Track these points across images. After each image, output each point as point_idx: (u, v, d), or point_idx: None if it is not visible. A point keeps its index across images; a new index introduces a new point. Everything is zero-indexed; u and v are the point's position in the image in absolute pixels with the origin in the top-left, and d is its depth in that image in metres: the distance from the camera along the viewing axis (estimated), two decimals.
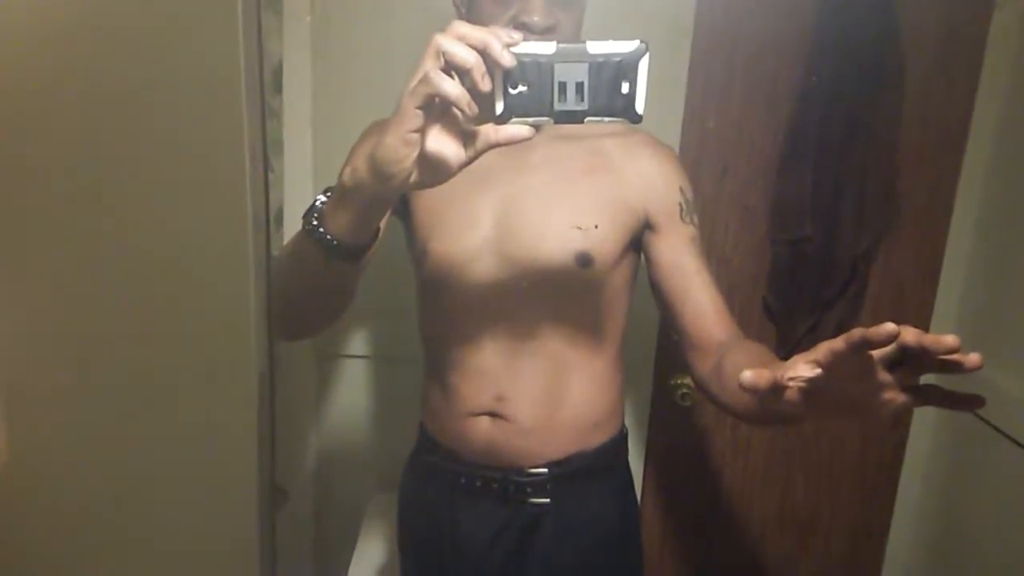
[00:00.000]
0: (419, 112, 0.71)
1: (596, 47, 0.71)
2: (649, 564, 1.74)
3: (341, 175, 0.84)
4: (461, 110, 0.70)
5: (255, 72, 0.69)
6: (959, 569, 1.83)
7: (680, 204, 1.16)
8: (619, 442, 1.27)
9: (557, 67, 0.70)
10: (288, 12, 1.69)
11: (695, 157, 1.76)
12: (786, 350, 1.78)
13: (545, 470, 1.18)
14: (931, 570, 1.94)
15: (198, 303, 0.75)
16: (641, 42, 0.71)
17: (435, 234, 1.16)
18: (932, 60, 1.72)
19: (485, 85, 0.70)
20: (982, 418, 1.72)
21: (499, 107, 0.72)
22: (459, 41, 0.70)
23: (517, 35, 0.70)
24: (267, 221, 0.76)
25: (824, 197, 1.71)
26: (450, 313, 1.19)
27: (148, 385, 0.75)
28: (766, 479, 1.97)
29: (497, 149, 0.76)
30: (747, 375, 0.73)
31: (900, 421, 1.93)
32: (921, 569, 1.97)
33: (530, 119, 0.72)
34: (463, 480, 1.21)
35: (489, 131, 0.75)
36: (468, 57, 0.69)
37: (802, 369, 0.71)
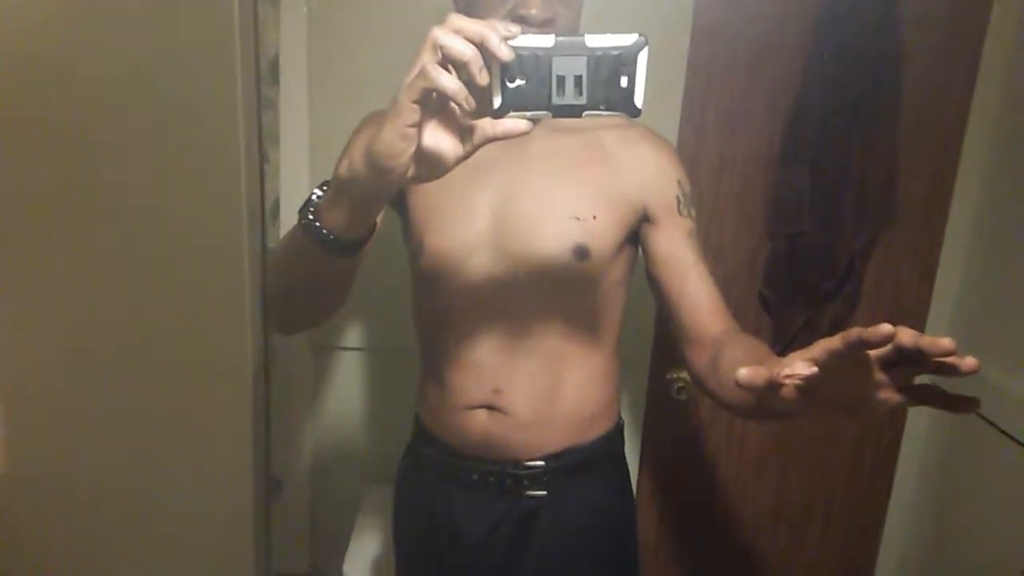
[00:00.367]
0: (416, 106, 0.71)
1: (595, 40, 0.70)
2: (644, 556, 1.74)
3: (337, 169, 0.83)
4: (459, 105, 0.70)
5: (251, 63, 0.69)
6: (953, 564, 1.84)
7: (678, 197, 1.16)
8: (615, 435, 1.27)
9: (555, 60, 0.70)
10: (285, 3, 1.69)
11: (693, 151, 1.76)
12: (782, 344, 1.78)
13: (542, 463, 1.19)
14: (925, 564, 1.94)
15: (194, 295, 0.75)
16: (640, 35, 0.70)
17: (431, 227, 1.15)
18: (931, 55, 1.72)
19: (483, 79, 0.69)
20: (977, 413, 1.72)
21: (497, 101, 0.71)
22: (456, 34, 0.69)
23: (515, 28, 0.70)
24: (263, 213, 0.76)
25: (822, 192, 1.70)
26: (446, 306, 1.19)
27: (144, 377, 0.75)
28: (761, 472, 1.97)
29: (494, 142, 0.76)
30: (743, 373, 0.73)
31: (895, 416, 1.94)
32: (916, 563, 1.98)
33: (528, 113, 0.72)
34: (460, 473, 1.21)
35: (486, 125, 0.74)
36: (465, 51, 0.68)
37: (798, 367, 0.71)
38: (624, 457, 1.31)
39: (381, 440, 1.93)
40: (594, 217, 1.12)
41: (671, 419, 1.93)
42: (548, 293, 1.15)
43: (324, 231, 0.86)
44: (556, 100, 0.71)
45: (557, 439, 1.19)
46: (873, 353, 0.69)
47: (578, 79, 0.70)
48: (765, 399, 0.75)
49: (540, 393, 1.17)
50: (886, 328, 0.65)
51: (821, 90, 1.67)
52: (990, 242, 1.78)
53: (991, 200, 1.77)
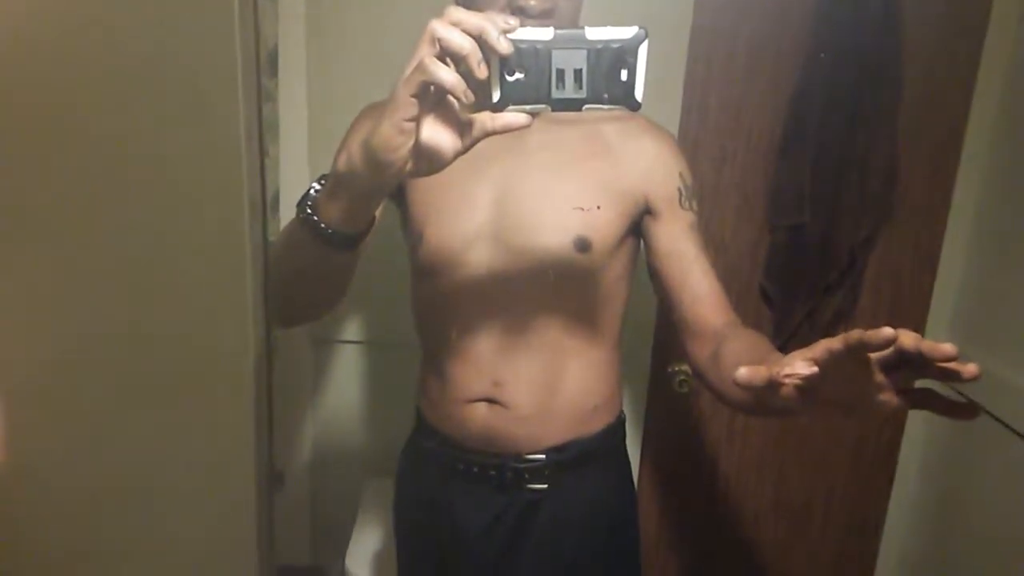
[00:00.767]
0: (414, 100, 0.70)
1: (595, 33, 0.70)
2: (645, 549, 1.74)
3: (335, 162, 0.83)
4: (457, 98, 0.69)
5: (251, 55, 0.69)
6: (955, 558, 1.84)
7: (679, 190, 1.15)
8: (617, 428, 1.27)
9: (555, 54, 0.70)
10: None
11: (694, 143, 1.76)
12: (782, 337, 1.78)
13: (543, 456, 1.18)
14: (926, 559, 1.95)
15: (195, 288, 0.75)
16: (640, 28, 0.70)
17: (431, 220, 1.15)
18: (932, 47, 1.71)
19: (481, 72, 0.69)
20: (978, 406, 1.72)
21: (496, 94, 0.71)
22: (455, 27, 0.68)
23: (514, 21, 0.69)
24: (264, 206, 0.75)
25: (823, 184, 1.70)
26: (446, 299, 1.18)
27: (146, 371, 0.75)
28: (762, 466, 1.97)
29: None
30: (742, 372, 0.72)
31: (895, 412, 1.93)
32: (916, 557, 1.98)
33: (527, 107, 0.72)
34: (460, 467, 1.21)
35: (485, 119, 0.74)
36: (464, 44, 0.68)
37: (798, 367, 0.70)
38: (625, 450, 1.31)
39: (382, 433, 1.93)
40: (598, 207, 1.11)
41: (672, 412, 1.93)
42: (549, 286, 1.14)
43: (322, 225, 0.85)
44: (556, 94, 0.71)
45: (558, 432, 1.19)
46: (874, 356, 0.68)
47: (578, 72, 0.70)
48: (765, 397, 0.74)
49: (541, 386, 1.16)
50: (888, 331, 0.64)
51: (822, 82, 1.67)
52: (991, 234, 1.77)
53: (992, 192, 1.77)
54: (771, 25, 1.72)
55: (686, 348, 1.15)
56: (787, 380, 0.71)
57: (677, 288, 1.14)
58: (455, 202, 1.14)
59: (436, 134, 0.74)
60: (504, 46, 0.68)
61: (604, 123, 1.17)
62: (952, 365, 0.64)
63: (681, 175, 1.16)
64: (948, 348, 0.63)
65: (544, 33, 0.69)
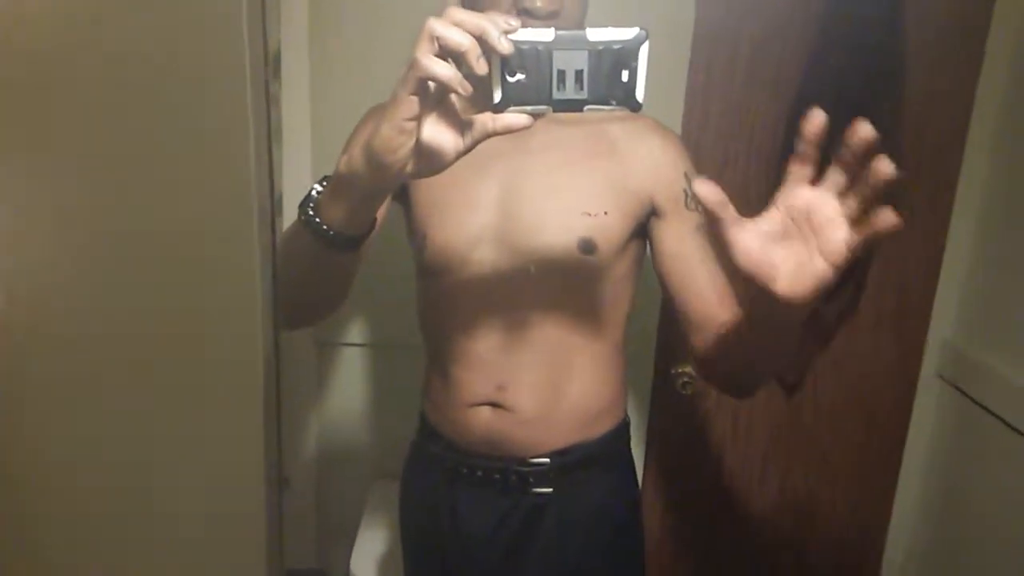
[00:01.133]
0: (413, 99, 0.70)
1: (595, 34, 0.70)
2: (649, 551, 1.74)
3: (337, 164, 0.83)
4: (454, 91, 0.69)
5: (259, 57, 0.69)
6: (961, 557, 1.83)
7: (685, 191, 1.15)
8: (622, 431, 1.27)
9: (556, 55, 0.70)
10: None
11: (696, 146, 1.75)
12: None
13: (547, 460, 1.18)
14: (932, 558, 1.94)
15: (203, 290, 0.75)
16: (641, 29, 0.70)
17: (435, 221, 1.15)
18: (934, 48, 1.71)
19: (481, 68, 0.68)
20: (983, 406, 1.72)
21: (497, 95, 0.71)
22: (455, 27, 0.68)
23: (515, 22, 0.69)
24: (272, 207, 0.76)
25: None
26: (450, 301, 1.18)
27: (152, 373, 0.75)
28: (766, 467, 1.97)
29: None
30: (698, 183, 0.76)
31: (901, 408, 1.93)
32: (922, 557, 1.98)
33: (528, 108, 0.72)
34: (464, 470, 1.21)
35: (486, 120, 0.74)
36: (463, 40, 0.67)
37: (762, 216, 0.78)
38: (630, 454, 1.31)
39: (386, 435, 1.93)
40: (605, 213, 1.11)
41: (676, 414, 1.93)
42: (553, 287, 1.14)
43: (324, 226, 0.86)
44: (557, 94, 0.71)
45: (562, 436, 1.18)
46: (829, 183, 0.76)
47: (579, 73, 0.70)
48: (739, 257, 0.77)
49: (545, 390, 1.16)
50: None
51: (824, 84, 1.67)
52: (995, 234, 1.77)
53: (996, 192, 1.77)
54: (774, 27, 1.71)
55: (690, 343, 1.14)
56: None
57: (683, 289, 1.14)
58: (459, 203, 1.14)
59: (437, 134, 0.74)
60: (505, 46, 0.68)
61: (609, 123, 1.16)
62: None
63: (687, 176, 1.16)
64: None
65: (545, 34, 0.69)
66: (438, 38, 0.68)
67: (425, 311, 1.26)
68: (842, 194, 0.75)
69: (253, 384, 0.78)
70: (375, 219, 0.90)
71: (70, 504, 0.77)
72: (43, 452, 0.76)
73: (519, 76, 0.70)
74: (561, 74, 0.70)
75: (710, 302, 1.11)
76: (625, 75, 0.70)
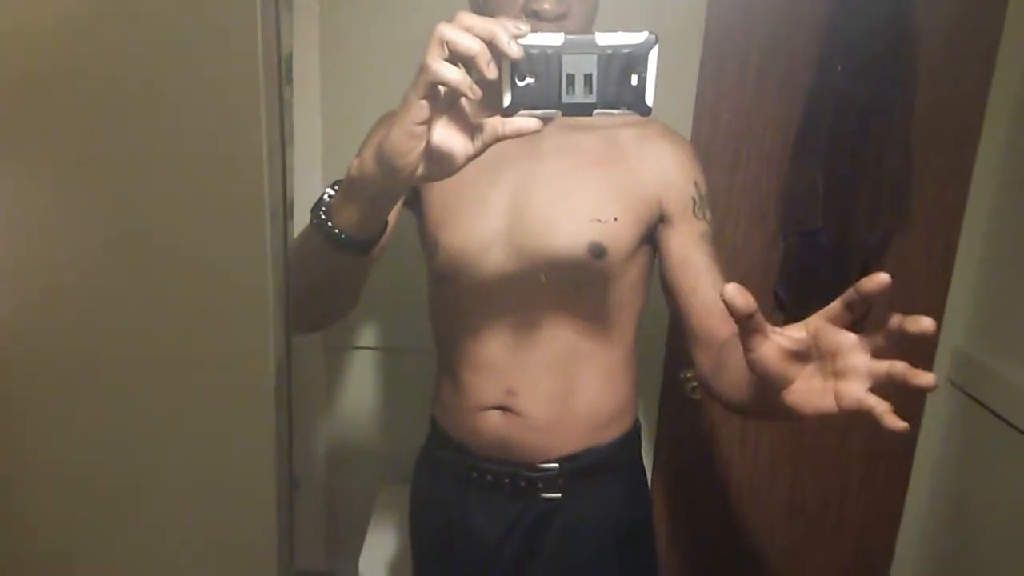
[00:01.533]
0: (424, 103, 0.71)
1: (605, 39, 0.70)
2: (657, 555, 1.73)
3: (349, 168, 0.83)
4: (463, 94, 0.69)
5: (273, 62, 0.69)
6: (970, 562, 1.82)
7: (693, 198, 1.14)
8: (632, 437, 1.26)
9: (565, 59, 0.70)
10: (297, 3, 1.69)
11: (706, 149, 1.75)
12: None
13: (556, 465, 1.18)
14: (941, 563, 1.93)
15: (215, 294, 0.75)
16: (651, 33, 0.70)
17: (446, 225, 1.15)
18: (946, 51, 1.71)
19: (491, 72, 0.69)
20: (994, 412, 1.71)
21: (506, 99, 0.71)
22: (465, 32, 0.69)
23: (524, 27, 0.69)
24: (284, 212, 0.76)
25: (836, 190, 1.69)
26: (461, 305, 1.18)
27: (164, 376, 0.76)
28: (775, 472, 1.96)
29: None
30: (729, 289, 0.73)
31: (911, 413, 1.92)
32: (932, 562, 1.96)
33: (538, 111, 0.72)
34: (474, 475, 1.21)
35: (496, 123, 0.74)
36: (472, 45, 0.68)
37: (790, 330, 0.75)
38: (641, 460, 1.30)
39: (396, 439, 1.93)
40: (615, 219, 1.11)
41: (685, 419, 1.93)
42: (564, 292, 1.14)
43: (336, 230, 0.86)
44: (566, 99, 0.71)
45: (572, 441, 1.18)
46: (862, 339, 0.73)
47: (588, 77, 0.70)
48: (747, 341, 0.75)
49: (555, 395, 1.16)
50: (883, 276, 0.72)
51: (835, 88, 1.66)
52: (1006, 238, 1.76)
53: (1007, 196, 1.76)
54: (784, 29, 1.71)
55: (694, 357, 1.14)
56: (774, 337, 0.74)
57: (687, 298, 1.13)
58: (471, 207, 1.14)
59: (447, 138, 0.74)
60: (514, 50, 0.68)
61: (620, 128, 1.16)
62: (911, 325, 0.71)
63: (696, 183, 1.15)
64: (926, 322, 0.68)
65: (554, 38, 0.70)
66: (448, 43, 0.68)
67: (436, 315, 1.26)
68: (875, 354, 0.74)
69: (265, 387, 0.79)
70: (386, 223, 0.90)
71: (83, 506, 0.78)
72: (56, 454, 0.76)
73: (528, 80, 0.70)
74: (570, 78, 0.70)
75: (713, 314, 1.10)
76: (635, 79, 0.70)
